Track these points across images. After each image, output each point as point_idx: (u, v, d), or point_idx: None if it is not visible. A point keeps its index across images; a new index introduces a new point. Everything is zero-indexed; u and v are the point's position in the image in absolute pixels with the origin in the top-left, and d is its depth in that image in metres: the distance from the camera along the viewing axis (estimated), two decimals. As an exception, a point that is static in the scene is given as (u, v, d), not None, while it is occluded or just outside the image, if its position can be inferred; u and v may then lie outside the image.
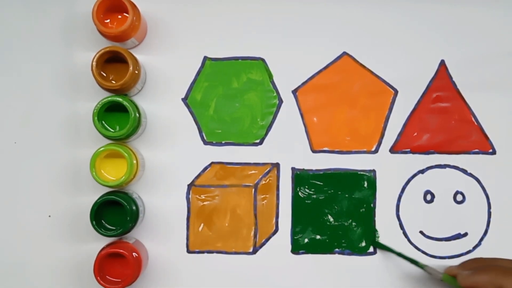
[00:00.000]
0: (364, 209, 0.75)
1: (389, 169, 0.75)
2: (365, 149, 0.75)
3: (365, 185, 0.75)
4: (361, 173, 0.75)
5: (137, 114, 0.71)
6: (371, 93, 0.75)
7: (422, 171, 0.75)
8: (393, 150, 0.75)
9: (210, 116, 0.75)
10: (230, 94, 0.75)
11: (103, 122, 0.71)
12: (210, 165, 0.75)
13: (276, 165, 0.75)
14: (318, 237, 0.75)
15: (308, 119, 0.75)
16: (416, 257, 0.74)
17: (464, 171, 0.75)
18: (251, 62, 0.75)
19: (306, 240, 0.75)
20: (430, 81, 0.75)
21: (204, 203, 0.75)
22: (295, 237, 0.75)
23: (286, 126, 0.75)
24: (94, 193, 0.72)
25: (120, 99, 0.70)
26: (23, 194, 0.74)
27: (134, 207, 0.71)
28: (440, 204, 0.75)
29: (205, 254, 0.74)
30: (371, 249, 0.75)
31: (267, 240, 0.75)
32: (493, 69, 0.75)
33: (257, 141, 0.75)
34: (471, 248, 0.75)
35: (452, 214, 0.75)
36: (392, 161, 0.75)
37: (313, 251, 0.75)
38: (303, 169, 0.75)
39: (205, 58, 0.75)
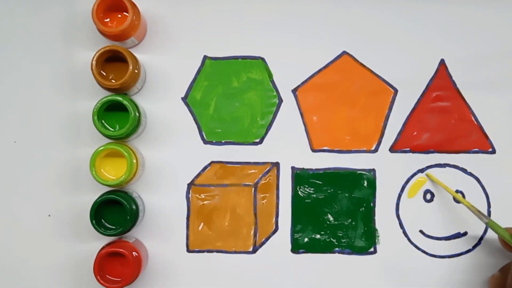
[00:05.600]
0: (364, 208, 0.75)
1: (389, 168, 0.75)
2: (365, 148, 0.75)
3: (365, 184, 0.75)
4: (361, 172, 0.75)
5: (137, 113, 0.71)
6: (371, 92, 0.75)
7: (421, 170, 0.75)
8: (393, 149, 0.75)
9: (210, 115, 0.75)
10: (230, 93, 0.75)
11: (103, 121, 0.71)
12: (210, 164, 0.75)
13: (276, 164, 0.75)
14: (318, 236, 0.75)
15: (308, 118, 0.75)
16: (416, 256, 0.74)
17: (464, 170, 0.75)
18: (251, 62, 0.75)
19: (306, 239, 0.75)
20: (430, 80, 0.75)
21: (204, 202, 0.75)
22: (295, 236, 0.75)
23: (286, 126, 0.75)
24: (94, 192, 0.72)
25: (120, 98, 0.70)
26: (22, 193, 0.74)
27: (134, 206, 0.71)
28: (440, 203, 0.75)
29: (205, 253, 0.74)
30: (371, 249, 0.75)
31: (267, 239, 0.75)
32: (493, 68, 0.75)
33: (257, 140, 0.75)
34: (471, 247, 0.75)
35: (451, 213, 0.75)
36: (392, 160, 0.75)
37: (313, 250, 0.75)
38: (303, 168, 0.75)
39: (205, 57, 0.75)
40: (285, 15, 0.75)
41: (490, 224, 0.70)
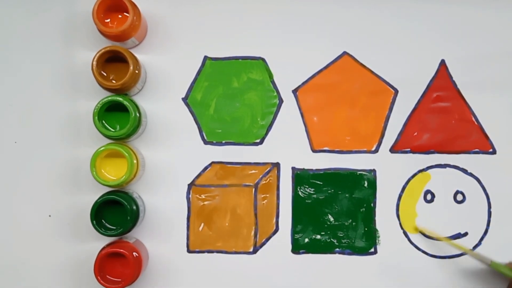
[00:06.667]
0: (364, 209, 0.75)
1: (389, 169, 0.75)
2: (365, 149, 0.75)
3: (365, 184, 0.75)
4: (361, 172, 0.75)
5: (138, 114, 0.71)
6: (371, 93, 0.75)
7: (422, 171, 0.75)
8: (393, 149, 0.75)
9: (210, 116, 0.75)
10: (231, 94, 0.75)
11: (104, 122, 0.71)
12: (210, 164, 0.75)
13: (276, 165, 0.75)
14: (318, 236, 0.75)
15: (308, 118, 0.75)
16: (416, 257, 0.74)
17: (464, 170, 0.75)
18: (251, 62, 0.75)
19: (306, 239, 0.75)
20: (430, 81, 0.75)
21: (205, 202, 0.75)
22: (295, 237, 0.75)
23: (286, 126, 0.75)
24: (95, 193, 0.72)
25: (120, 99, 0.70)
26: (23, 193, 0.74)
27: (134, 207, 0.71)
28: (441, 203, 0.75)
29: (205, 253, 0.75)
30: (371, 249, 0.75)
31: (267, 239, 0.75)
32: (493, 69, 0.75)
33: (258, 140, 0.75)
34: (471, 248, 0.75)
35: (452, 213, 0.75)
36: (392, 160, 0.75)
37: (313, 250, 0.75)
38: (303, 168, 0.75)
39: (206, 57, 0.75)
40: (285, 15, 0.75)
41: (493, 266, 0.71)
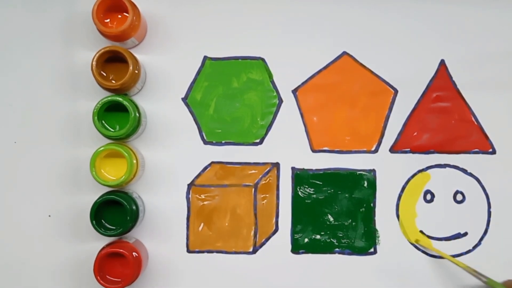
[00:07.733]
0: (364, 209, 0.75)
1: (389, 169, 0.75)
2: (365, 149, 0.75)
3: (365, 184, 0.75)
4: (361, 172, 0.75)
5: (137, 114, 0.71)
6: (371, 93, 0.75)
7: (422, 171, 0.75)
8: (393, 149, 0.75)
9: (210, 116, 0.75)
10: (230, 94, 0.75)
11: (103, 122, 0.71)
12: (210, 164, 0.75)
13: (276, 165, 0.75)
14: (318, 236, 0.75)
15: (308, 118, 0.75)
16: (416, 257, 0.74)
17: (464, 170, 0.75)
18: (251, 62, 0.75)
19: (306, 239, 0.75)
20: (430, 81, 0.75)
21: (204, 202, 0.75)
22: (295, 237, 0.75)
23: (286, 126, 0.75)
24: (94, 193, 0.72)
25: (120, 99, 0.70)
26: (23, 193, 0.74)
27: (134, 207, 0.71)
28: (440, 203, 0.75)
29: (205, 253, 0.75)
30: (371, 249, 0.75)
31: (267, 239, 0.75)
32: (493, 69, 0.75)
33: (257, 140, 0.75)
34: (471, 248, 0.75)
35: (452, 213, 0.75)
36: (392, 160, 0.75)
37: (313, 250, 0.75)
38: (303, 168, 0.75)
39: (205, 57, 0.75)
40: (285, 15, 0.75)
41: (489, 283, 0.70)
